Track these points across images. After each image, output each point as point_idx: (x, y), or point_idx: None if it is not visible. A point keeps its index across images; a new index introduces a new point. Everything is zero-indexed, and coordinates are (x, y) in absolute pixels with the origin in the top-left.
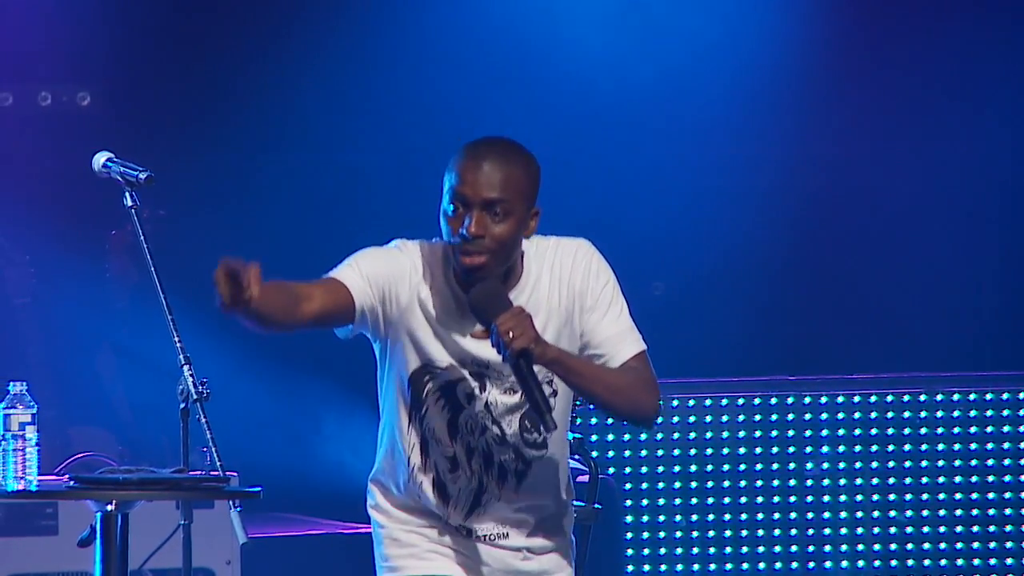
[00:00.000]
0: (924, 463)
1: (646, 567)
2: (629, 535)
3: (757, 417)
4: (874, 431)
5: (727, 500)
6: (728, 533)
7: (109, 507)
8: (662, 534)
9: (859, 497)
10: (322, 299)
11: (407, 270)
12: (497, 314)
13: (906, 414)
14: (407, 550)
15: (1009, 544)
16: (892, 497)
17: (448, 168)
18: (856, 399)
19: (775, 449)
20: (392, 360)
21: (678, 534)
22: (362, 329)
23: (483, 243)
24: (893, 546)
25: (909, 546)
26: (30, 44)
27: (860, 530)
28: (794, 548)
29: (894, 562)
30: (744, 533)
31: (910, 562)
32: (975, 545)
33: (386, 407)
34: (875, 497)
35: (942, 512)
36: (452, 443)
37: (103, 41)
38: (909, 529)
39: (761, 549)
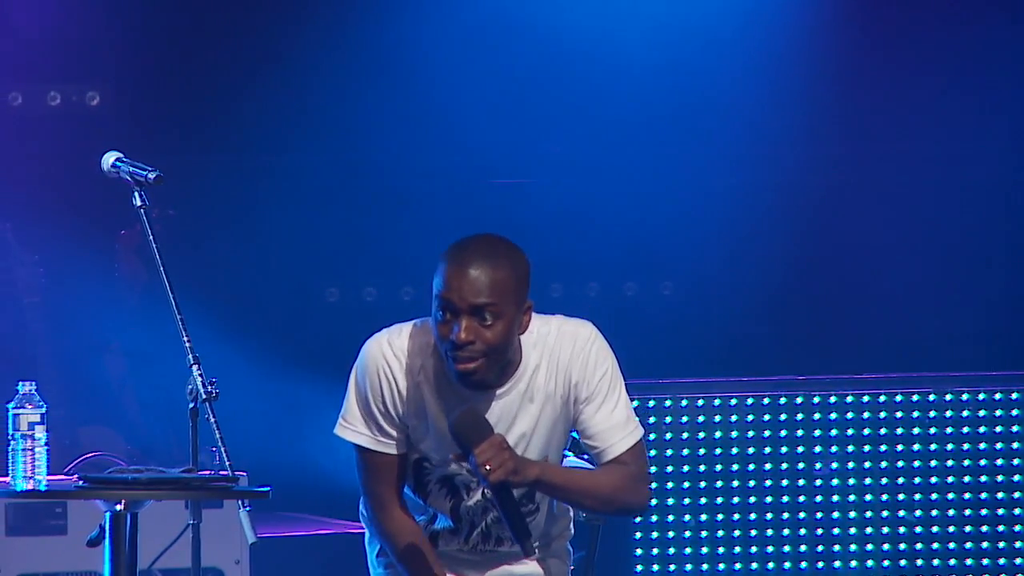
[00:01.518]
0: (933, 463)
1: (655, 567)
2: (638, 535)
3: (766, 417)
4: (882, 431)
5: (736, 500)
6: (737, 533)
7: (118, 507)
8: (671, 534)
9: (868, 497)
10: (401, 481)
11: (395, 380)
12: (476, 442)
13: (914, 414)
14: None
15: (1018, 544)
16: (901, 497)
17: (436, 273)
18: (865, 399)
19: (783, 448)
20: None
21: (687, 534)
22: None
23: (474, 348)
24: (902, 546)
25: (918, 546)
26: (39, 44)
27: (869, 530)
28: (803, 548)
29: (903, 562)
30: (753, 533)
31: (919, 562)
32: (984, 545)
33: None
34: (884, 497)
35: (951, 512)
36: (457, 523)
37: (112, 41)
38: (918, 529)
39: (770, 549)
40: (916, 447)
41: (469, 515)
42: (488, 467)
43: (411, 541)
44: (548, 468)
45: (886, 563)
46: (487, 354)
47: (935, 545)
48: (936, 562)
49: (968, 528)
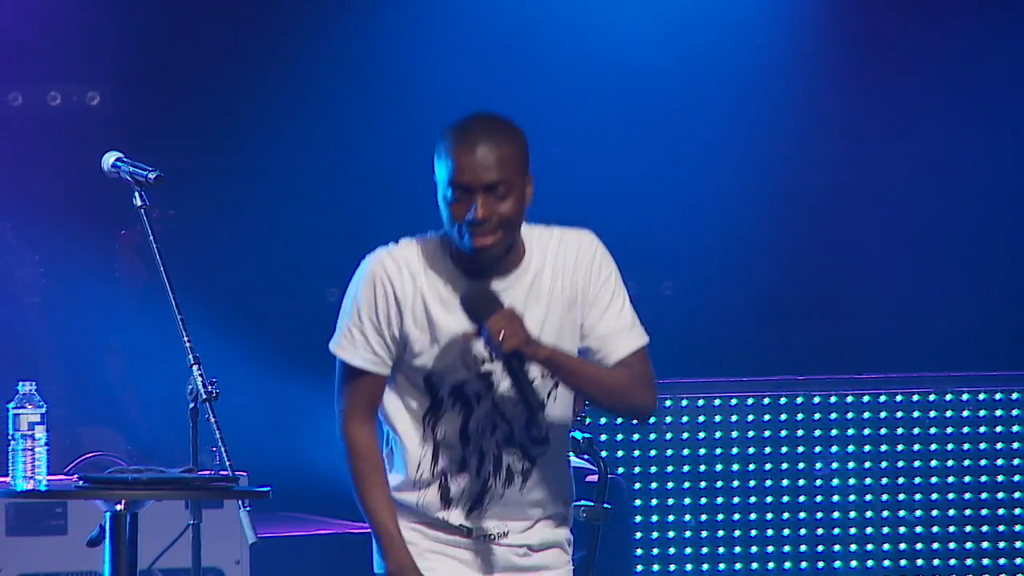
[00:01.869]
0: (933, 463)
1: (655, 567)
2: (639, 535)
3: (766, 417)
4: (883, 431)
5: (736, 500)
6: (737, 533)
7: (118, 507)
8: (671, 534)
9: (868, 497)
10: (375, 401)
11: (394, 290)
12: (488, 315)
13: (915, 414)
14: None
15: (1018, 544)
16: (901, 497)
17: (439, 155)
18: (865, 399)
19: (784, 449)
20: (401, 368)
21: (687, 534)
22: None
23: (491, 224)
24: (902, 546)
25: (918, 546)
26: (39, 44)
27: (869, 530)
28: (803, 548)
29: (903, 562)
30: (753, 533)
31: (919, 562)
32: (984, 545)
33: (395, 414)
34: (884, 497)
35: (951, 512)
36: (464, 448)
37: (113, 41)
38: (918, 529)
39: (770, 549)
40: (916, 447)
41: (478, 430)
42: (501, 336)
43: (367, 455)
44: (558, 351)
45: (886, 563)
46: (503, 226)
47: (935, 545)
48: (936, 562)
49: (968, 528)
